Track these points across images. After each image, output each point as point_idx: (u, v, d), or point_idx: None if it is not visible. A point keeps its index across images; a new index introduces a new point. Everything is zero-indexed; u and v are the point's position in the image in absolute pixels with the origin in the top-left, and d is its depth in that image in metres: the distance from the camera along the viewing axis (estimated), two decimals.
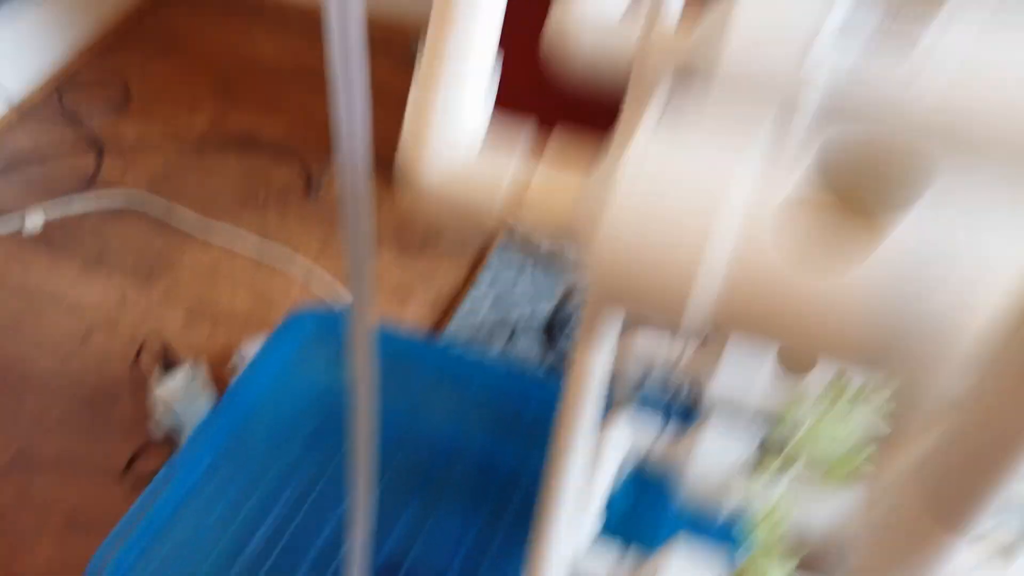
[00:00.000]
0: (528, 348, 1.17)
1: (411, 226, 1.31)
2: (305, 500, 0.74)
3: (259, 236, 1.30)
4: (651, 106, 0.30)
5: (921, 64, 0.28)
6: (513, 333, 1.18)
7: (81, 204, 1.35)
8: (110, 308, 1.21)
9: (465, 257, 1.29)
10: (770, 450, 0.57)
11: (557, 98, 0.92)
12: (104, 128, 1.49)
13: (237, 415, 0.82)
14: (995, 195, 0.24)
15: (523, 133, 0.28)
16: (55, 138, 1.47)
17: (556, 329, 1.18)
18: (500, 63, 0.29)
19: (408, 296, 1.23)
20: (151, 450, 1.02)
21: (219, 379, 1.09)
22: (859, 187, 0.25)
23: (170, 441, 1.02)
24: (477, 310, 1.21)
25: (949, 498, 0.19)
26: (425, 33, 0.28)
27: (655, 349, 0.59)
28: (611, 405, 0.62)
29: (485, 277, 1.26)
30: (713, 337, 0.54)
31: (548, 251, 1.26)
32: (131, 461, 1.01)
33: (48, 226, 1.32)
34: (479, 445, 0.78)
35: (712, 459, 0.56)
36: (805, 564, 0.49)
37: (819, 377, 0.55)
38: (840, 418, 0.52)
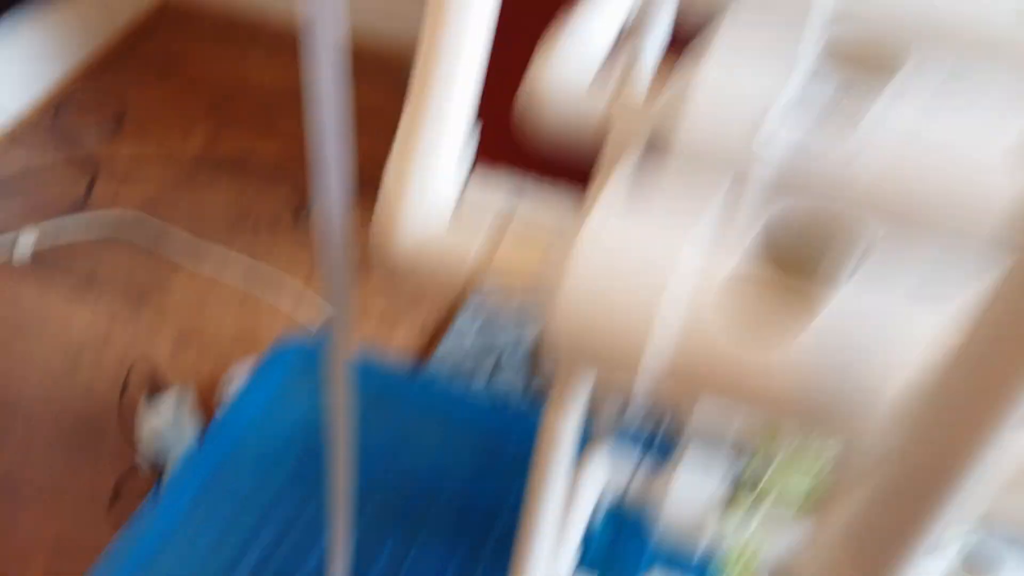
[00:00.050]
0: (514, 374, 1.18)
1: None
2: (290, 531, 0.75)
3: (249, 259, 1.31)
4: (613, 176, 0.32)
5: (865, 140, 0.30)
6: (500, 358, 1.19)
7: (72, 227, 1.36)
8: (99, 334, 1.21)
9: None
10: (744, 486, 0.58)
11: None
12: (97, 150, 1.51)
13: (223, 446, 0.83)
14: (925, 267, 0.26)
15: (495, 200, 0.29)
16: (48, 160, 1.48)
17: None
18: (478, 133, 0.30)
19: (397, 321, 1.24)
20: (138, 477, 1.02)
21: (207, 405, 1.09)
22: (800, 261, 0.27)
23: (157, 467, 1.03)
24: (464, 335, 1.23)
25: (874, 557, 0.20)
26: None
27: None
28: (589, 440, 0.64)
29: (473, 302, 1.27)
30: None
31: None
32: (117, 488, 1.01)
33: (39, 249, 1.33)
34: (461, 478, 0.79)
35: (687, 494, 0.57)
36: None
37: None
38: (810, 453, 0.54)
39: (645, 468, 0.62)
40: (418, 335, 1.23)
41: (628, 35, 0.44)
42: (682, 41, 0.43)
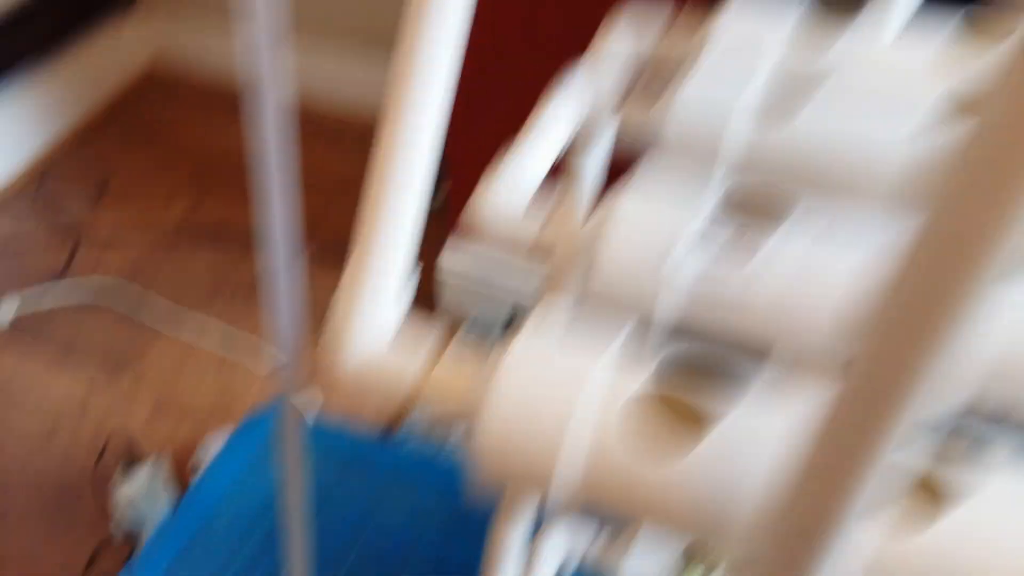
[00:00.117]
0: None
1: None
2: None
3: (227, 326, 1.34)
4: (542, 301, 0.36)
5: (761, 269, 0.34)
6: None
7: (53, 295, 1.39)
8: (77, 402, 1.23)
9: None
10: (695, 555, 0.61)
11: None
12: (80, 218, 1.54)
13: (195, 517, 0.85)
14: (809, 391, 0.30)
15: (433, 329, 0.33)
16: (31, 228, 1.51)
17: None
18: (417, 273, 0.34)
19: None
20: (112, 548, 1.04)
21: (183, 474, 1.11)
22: (694, 387, 0.31)
23: (131, 539, 1.04)
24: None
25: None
26: None
27: None
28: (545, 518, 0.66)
29: None
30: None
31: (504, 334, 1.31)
32: (92, 558, 1.03)
33: (19, 316, 1.36)
34: (433, 542, 0.81)
35: (642, 563, 0.60)
36: None
37: None
38: None
39: (603, 536, 0.65)
40: None
41: (568, 163, 0.49)
42: (620, 168, 0.48)
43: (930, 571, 0.26)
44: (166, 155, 1.69)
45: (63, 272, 1.44)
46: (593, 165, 0.48)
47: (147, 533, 1.03)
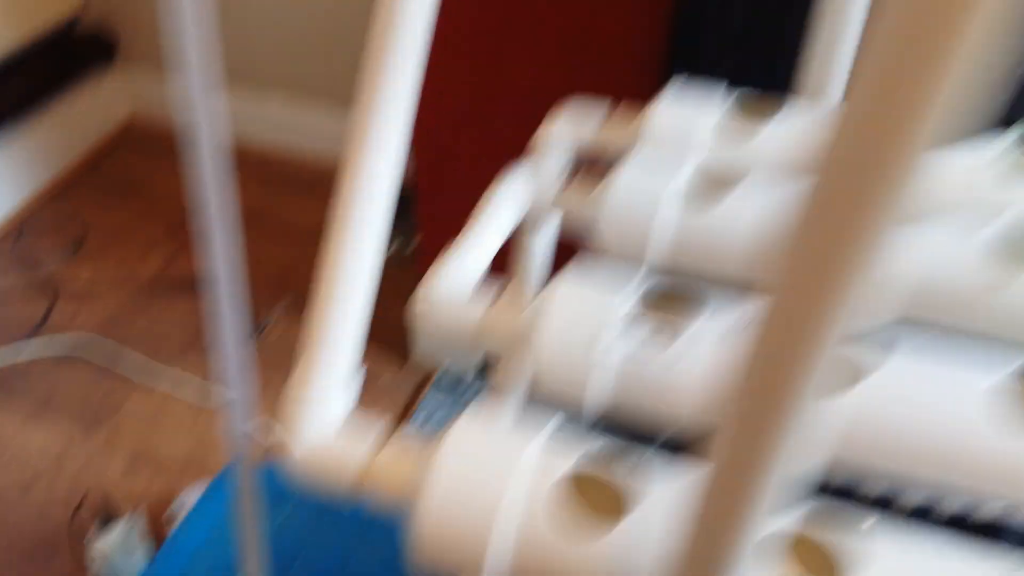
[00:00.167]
0: None
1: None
2: None
3: (202, 379, 1.36)
4: (486, 389, 0.39)
5: (681, 354, 0.38)
6: None
7: (30, 349, 1.41)
8: (53, 457, 1.25)
9: (399, 397, 1.37)
10: None
11: None
12: (57, 272, 1.56)
13: (170, 571, 0.87)
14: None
15: (379, 419, 0.37)
16: (8, 283, 1.53)
17: None
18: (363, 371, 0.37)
19: None
20: None
21: (158, 528, 1.13)
22: (621, 466, 0.34)
23: None
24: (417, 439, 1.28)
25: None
26: None
27: None
28: None
29: (419, 416, 1.33)
30: None
31: (480, 389, 1.34)
32: None
33: None
34: None
35: None
36: None
37: None
38: None
39: None
40: None
41: (515, 248, 0.52)
42: (565, 254, 0.52)
43: None
44: (143, 209, 1.71)
45: (40, 326, 1.45)
46: (539, 250, 0.52)
47: None
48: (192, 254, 1.61)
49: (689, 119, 0.51)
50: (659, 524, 0.31)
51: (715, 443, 0.23)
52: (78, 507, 1.15)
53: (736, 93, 0.53)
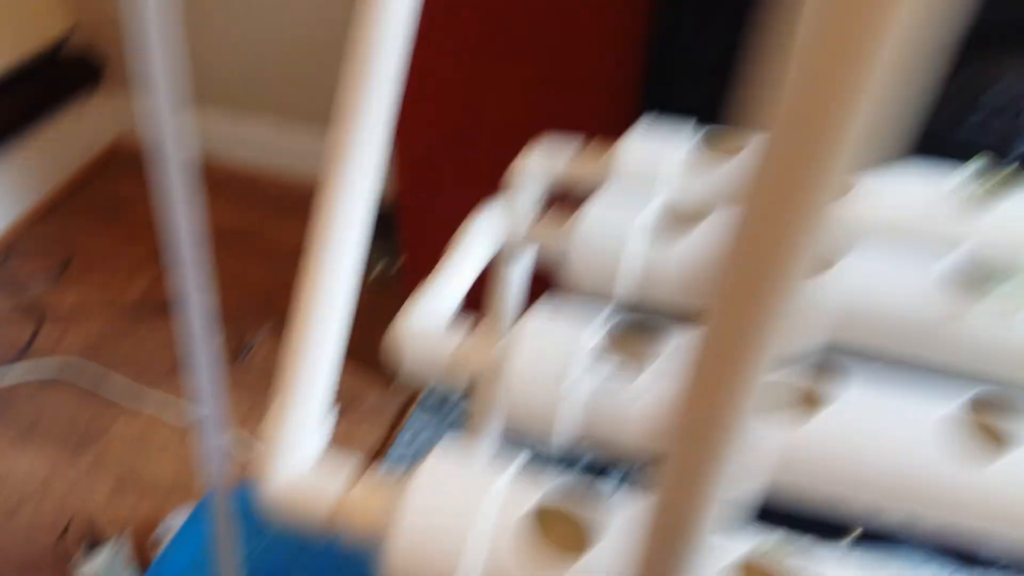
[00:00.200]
0: None
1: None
2: None
3: (188, 402, 1.37)
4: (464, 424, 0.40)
5: (643, 388, 0.39)
6: None
7: (14, 374, 1.41)
8: (39, 481, 1.25)
9: (385, 417, 1.37)
10: None
11: None
12: (42, 296, 1.56)
13: None
14: None
15: (353, 455, 0.38)
16: None
17: None
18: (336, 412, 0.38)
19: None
20: None
21: (143, 553, 1.13)
22: (587, 500, 0.35)
23: None
24: (396, 470, 1.28)
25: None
26: None
27: None
28: None
29: (404, 438, 1.34)
30: None
31: (464, 411, 1.35)
32: None
33: None
34: None
35: None
36: None
37: None
38: None
39: None
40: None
41: (490, 281, 0.54)
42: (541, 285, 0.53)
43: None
44: (129, 231, 1.72)
45: (26, 349, 1.45)
46: (514, 282, 0.53)
47: None
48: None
49: (658, 154, 0.52)
50: (620, 557, 0.33)
51: (658, 470, 0.24)
52: (64, 531, 1.15)
53: (705, 128, 0.55)
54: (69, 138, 1.81)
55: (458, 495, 0.34)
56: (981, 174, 0.51)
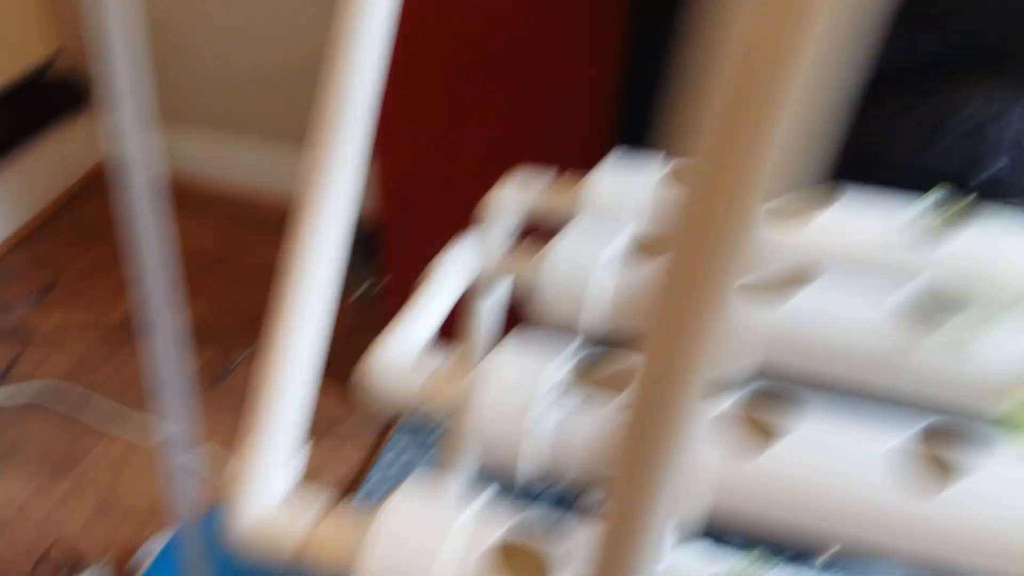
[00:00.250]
0: None
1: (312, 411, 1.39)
2: None
3: (162, 425, 1.36)
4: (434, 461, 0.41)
5: (606, 420, 0.40)
6: None
7: None
8: (18, 506, 1.24)
9: (367, 438, 1.38)
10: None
11: None
12: (24, 319, 1.56)
13: None
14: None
15: (322, 489, 0.39)
16: None
17: None
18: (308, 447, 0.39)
19: (315, 477, 1.30)
20: None
21: None
22: (550, 535, 0.36)
23: None
24: (376, 491, 1.28)
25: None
26: None
27: None
28: None
29: (385, 459, 1.34)
30: None
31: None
32: None
33: None
34: None
35: None
36: None
37: None
38: None
39: None
40: (336, 489, 1.29)
41: (464, 314, 0.55)
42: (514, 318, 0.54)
43: None
44: (113, 252, 1.72)
45: (5, 374, 1.45)
46: (488, 314, 0.54)
47: None
48: None
49: (627, 186, 0.54)
50: None
51: (605, 495, 0.25)
52: (43, 557, 1.15)
53: (674, 159, 0.56)
54: (53, 161, 1.81)
55: (423, 531, 0.34)
56: (939, 204, 0.52)
